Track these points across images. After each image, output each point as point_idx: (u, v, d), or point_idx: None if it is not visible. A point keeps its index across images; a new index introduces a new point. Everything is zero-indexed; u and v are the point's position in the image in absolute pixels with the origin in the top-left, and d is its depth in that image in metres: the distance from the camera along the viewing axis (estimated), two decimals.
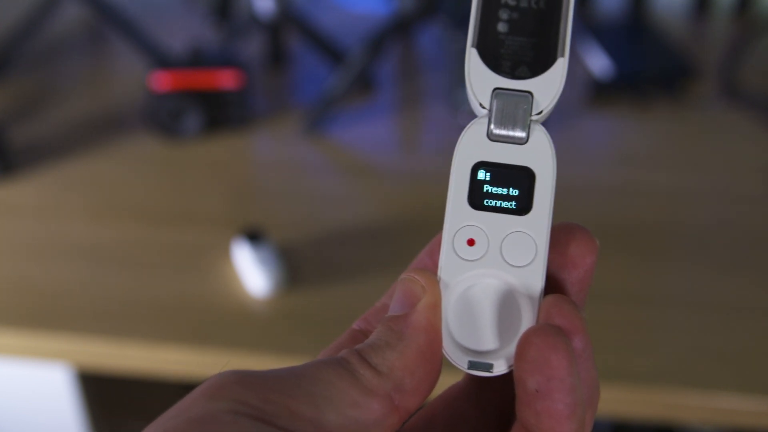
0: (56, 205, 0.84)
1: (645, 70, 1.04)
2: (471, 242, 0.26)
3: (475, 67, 0.27)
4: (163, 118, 0.93)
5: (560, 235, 0.26)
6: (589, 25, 1.15)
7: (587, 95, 1.02)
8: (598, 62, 1.05)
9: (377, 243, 0.79)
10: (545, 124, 0.27)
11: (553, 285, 0.26)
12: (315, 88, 1.02)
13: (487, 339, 0.25)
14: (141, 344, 0.68)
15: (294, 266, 0.75)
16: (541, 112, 0.26)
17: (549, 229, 0.26)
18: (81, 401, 0.80)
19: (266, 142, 0.98)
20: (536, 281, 0.25)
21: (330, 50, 1.05)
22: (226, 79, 0.94)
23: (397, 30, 0.99)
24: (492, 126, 0.26)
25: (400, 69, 1.12)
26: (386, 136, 0.99)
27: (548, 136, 0.27)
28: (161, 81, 0.92)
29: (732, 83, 1.02)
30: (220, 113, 0.95)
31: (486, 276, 0.26)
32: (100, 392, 0.84)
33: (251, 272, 0.72)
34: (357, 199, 0.88)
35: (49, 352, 0.70)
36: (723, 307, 0.71)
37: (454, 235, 0.26)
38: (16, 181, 0.88)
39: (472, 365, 0.25)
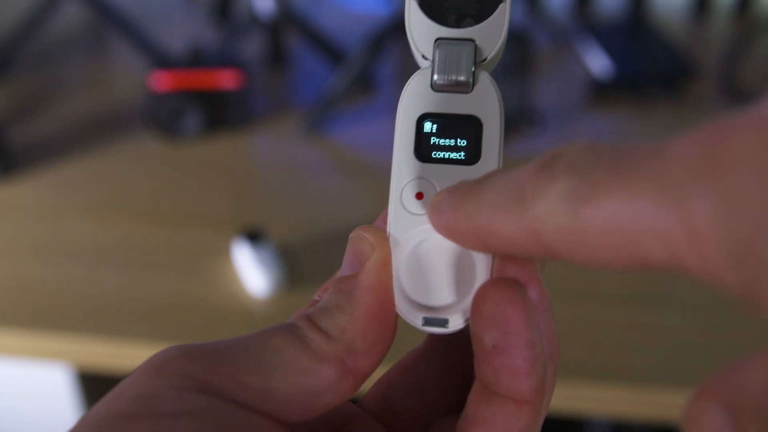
0: (56, 205, 0.84)
1: (645, 70, 1.04)
2: (419, 196, 0.25)
3: (415, 18, 0.26)
4: (163, 118, 0.93)
5: None
6: (589, 25, 1.15)
7: (587, 95, 1.02)
8: (598, 62, 1.05)
9: None
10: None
11: None
12: (315, 88, 1.02)
13: (441, 294, 0.24)
14: (141, 344, 0.68)
15: (294, 266, 0.75)
16: (485, 59, 0.26)
17: None
18: (81, 401, 0.80)
19: (266, 142, 0.98)
20: None
21: (330, 50, 1.05)
22: (226, 79, 0.94)
23: (397, 30, 0.99)
24: (435, 76, 0.26)
25: (400, 69, 1.12)
26: (386, 136, 0.99)
27: (494, 82, 0.26)
28: (161, 81, 0.92)
29: (732, 83, 1.02)
30: (220, 113, 0.95)
31: None
32: (100, 392, 0.84)
33: (251, 272, 0.72)
34: (357, 199, 0.88)
35: (49, 352, 0.70)
36: (723, 307, 0.71)
37: (402, 190, 0.25)
38: (16, 181, 0.88)
39: (427, 321, 0.24)
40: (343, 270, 0.25)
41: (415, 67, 0.27)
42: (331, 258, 0.77)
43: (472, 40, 0.26)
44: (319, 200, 0.87)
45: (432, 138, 0.25)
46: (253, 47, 1.11)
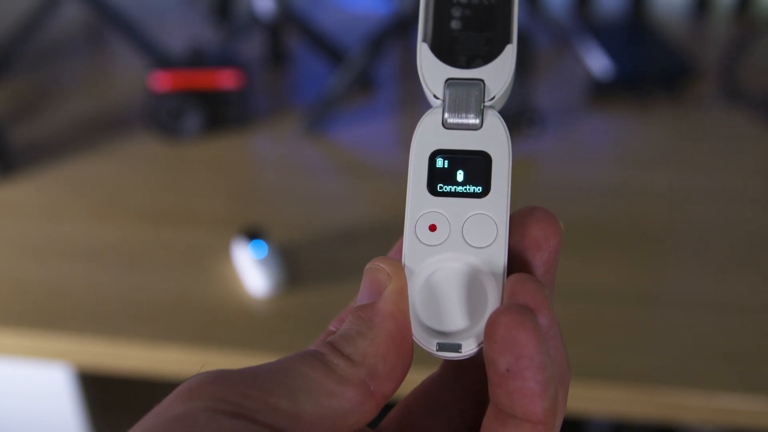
0: (56, 205, 0.84)
1: (645, 70, 1.04)
2: (432, 228, 0.26)
3: (426, 60, 0.28)
4: (163, 118, 0.93)
5: (523, 218, 0.26)
6: (589, 25, 1.15)
7: (587, 95, 1.02)
8: (598, 62, 1.05)
9: (377, 243, 0.79)
10: (507, 114, 0.28)
11: (519, 266, 0.26)
12: (315, 88, 1.02)
13: (454, 320, 0.26)
14: (141, 344, 0.68)
15: (294, 266, 0.75)
16: (493, 98, 0.27)
17: (508, 209, 0.26)
18: (81, 401, 0.80)
19: (266, 142, 0.98)
20: (499, 260, 0.26)
21: (330, 50, 1.05)
22: (226, 79, 0.94)
23: (397, 30, 0.99)
24: (446, 115, 0.27)
25: (400, 69, 1.12)
26: (386, 136, 0.99)
27: (502, 120, 0.27)
28: (161, 81, 0.92)
29: (732, 83, 1.02)
30: (220, 113, 0.95)
31: (449, 260, 0.26)
32: (100, 392, 0.84)
33: (251, 272, 0.72)
34: (357, 199, 0.88)
35: (49, 352, 0.70)
36: (723, 307, 0.71)
37: (416, 222, 0.27)
38: (16, 181, 0.88)
39: (441, 347, 0.25)
40: (361, 299, 0.26)
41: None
42: (331, 258, 0.77)
43: (481, 80, 0.27)
44: (319, 200, 0.87)
45: (444, 173, 0.27)
46: (253, 47, 1.11)
